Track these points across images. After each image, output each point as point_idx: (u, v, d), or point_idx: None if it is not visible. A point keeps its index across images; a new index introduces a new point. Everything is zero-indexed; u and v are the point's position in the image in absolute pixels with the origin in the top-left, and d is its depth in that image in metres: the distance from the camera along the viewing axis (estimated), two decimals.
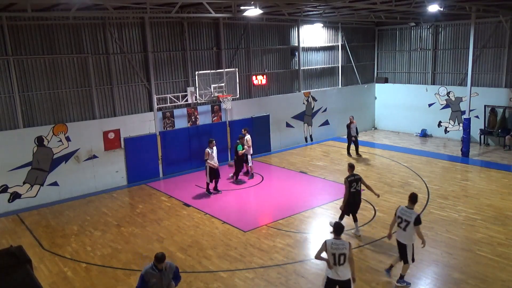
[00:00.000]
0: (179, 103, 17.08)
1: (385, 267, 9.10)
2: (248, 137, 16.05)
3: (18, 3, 11.66)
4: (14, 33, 13.58)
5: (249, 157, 16.10)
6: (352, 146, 19.18)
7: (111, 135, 15.70)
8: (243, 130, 16.47)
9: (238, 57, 18.97)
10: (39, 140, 14.23)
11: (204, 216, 12.62)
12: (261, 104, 19.85)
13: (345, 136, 23.39)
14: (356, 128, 19.00)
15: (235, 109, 18.73)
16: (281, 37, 20.42)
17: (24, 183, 14.04)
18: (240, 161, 15.89)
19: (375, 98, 25.17)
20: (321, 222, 12.03)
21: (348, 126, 18.89)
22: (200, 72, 16.64)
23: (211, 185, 14.62)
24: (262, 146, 19.97)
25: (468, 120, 18.45)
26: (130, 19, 15.74)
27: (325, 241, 7.20)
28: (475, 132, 20.05)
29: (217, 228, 11.70)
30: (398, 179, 15.45)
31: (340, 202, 13.29)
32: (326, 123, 22.83)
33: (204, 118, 18.04)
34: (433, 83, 22.57)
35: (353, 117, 19.17)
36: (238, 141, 15.66)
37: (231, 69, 17.66)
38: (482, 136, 20.34)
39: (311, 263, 9.60)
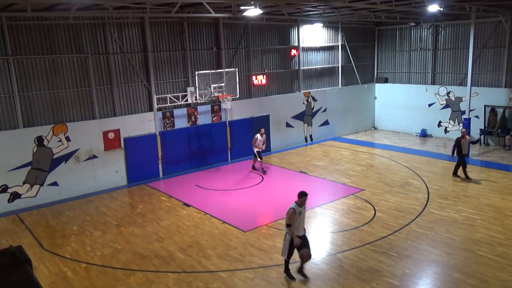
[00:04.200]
0: (179, 103, 17.08)
1: (385, 267, 9.11)
2: (263, 137, 16.85)
3: (18, 3, 11.66)
4: (14, 33, 13.58)
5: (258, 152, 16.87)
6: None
7: (111, 135, 15.70)
8: (262, 130, 16.97)
9: (238, 57, 18.97)
10: (39, 140, 14.23)
11: (204, 216, 12.62)
12: (261, 104, 19.85)
13: (346, 136, 23.50)
14: (469, 144, 15.56)
15: (235, 109, 18.73)
16: (281, 37, 20.42)
17: (24, 183, 14.03)
18: None
19: (375, 98, 25.17)
20: (321, 222, 12.03)
21: (458, 141, 14.78)
22: (200, 72, 16.63)
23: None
24: None
25: (468, 120, 18.45)
26: (130, 19, 15.74)
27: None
28: (475, 132, 20.05)
29: (217, 228, 11.69)
30: (398, 179, 15.45)
31: (339, 203, 13.42)
32: (326, 123, 22.83)
33: (204, 118, 18.04)
34: (433, 83, 22.58)
35: (466, 131, 15.44)
36: None
37: (231, 69, 17.65)
38: (482, 136, 20.34)
39: (311, 263, 9.59)
